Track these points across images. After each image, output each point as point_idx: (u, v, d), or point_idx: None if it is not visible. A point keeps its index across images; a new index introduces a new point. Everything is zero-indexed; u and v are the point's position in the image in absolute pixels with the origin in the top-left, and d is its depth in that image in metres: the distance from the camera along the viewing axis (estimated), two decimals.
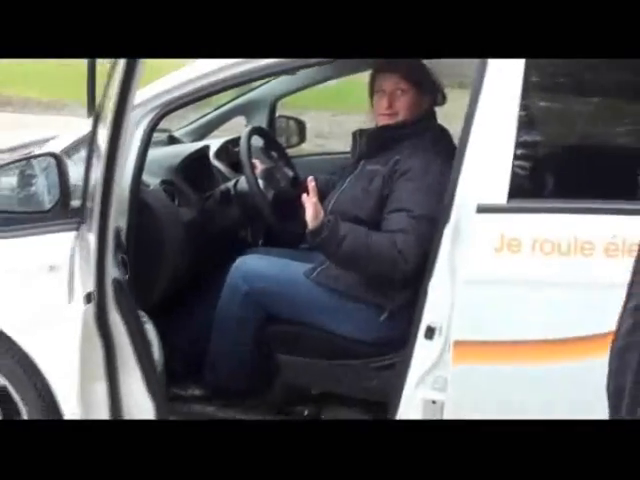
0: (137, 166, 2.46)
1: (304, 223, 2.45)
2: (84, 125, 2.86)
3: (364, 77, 3.07)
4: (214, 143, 3.58)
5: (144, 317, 2.42)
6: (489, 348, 2.24)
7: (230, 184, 3.04)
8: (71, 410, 2.46)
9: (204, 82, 2.48)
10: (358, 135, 2.76)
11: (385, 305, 2.53)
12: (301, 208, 2.45)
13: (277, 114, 4.07)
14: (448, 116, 2.80)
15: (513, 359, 2.23)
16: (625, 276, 1.36)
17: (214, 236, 2.96)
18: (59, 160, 2.45)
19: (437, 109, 2.78)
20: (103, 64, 2.88)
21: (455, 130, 2.33)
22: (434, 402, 2.30)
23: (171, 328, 2.63)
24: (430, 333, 2.27)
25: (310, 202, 2.40)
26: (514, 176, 2.18)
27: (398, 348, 2.43)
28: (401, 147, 2.57)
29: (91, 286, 2.08)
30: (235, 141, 3.47)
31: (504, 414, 2.23)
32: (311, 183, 2.43)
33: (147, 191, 2.66)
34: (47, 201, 2.55)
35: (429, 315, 2.27)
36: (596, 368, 1.44)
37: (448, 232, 2.20)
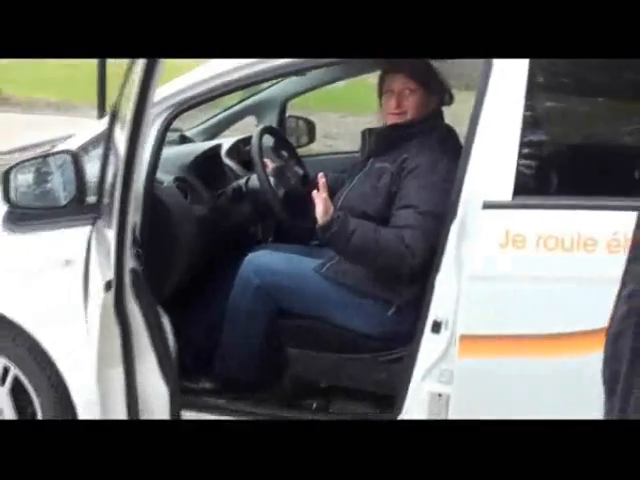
0: (151, 164, 2.50)
1: (314, 219, 2.49)
2: (94, 126, 2.93)
3: (372, 79, 3.12)
4: (226, 142, 3.62)
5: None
6: (494, 342, 2.27)
7: (242, 182, 3.08)
8: (85, 397, 2.51)
9: (217, 82, 2.52)
10: (367, 134, 2.80)
11: (393, 300, 2.57)
12: (311, 204, 2.49)
13: (287, 114, 4.11)
14: (456, 116, 2.84)
15: (517, 353, 2.26)
16: None
17: (225, 232, 3.00)
18: (76, 157, 2.50)
19: (445, 110, 2.82)
20: (115, 64, 2.94)
21: (462, 130, 2.36)
22: (440, 395, 2.34)
23: (183, 322, 2.66)
24: (437, 327, 2.31)
25: (320, 198, 2.45)
26: (519, 174, 2.21)
27: (405, 342, 2.46)
28: (409, 145, 2.61)
29: (109, 276, 2.13)
30: (246, 140, 3.51)
31: (509, 407, 2.29)
32: (321, 179, 2.48)
33: (161, 188, 2.70)
34: (63, 197, 2.62)
35: (436, 309, 2.31)
36: (599, 361, 1.45)
37: (454, 228, 2.24)
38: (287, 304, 2.67)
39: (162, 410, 2.18)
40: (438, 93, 2.76)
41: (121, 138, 2.41)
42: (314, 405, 2.72)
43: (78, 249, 2.50)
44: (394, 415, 2.42)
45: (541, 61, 2.24)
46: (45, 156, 2.73)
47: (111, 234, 2.16)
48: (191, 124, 3.95)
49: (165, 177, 2.82)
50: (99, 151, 2.63)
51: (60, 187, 2.64)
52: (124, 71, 2.56)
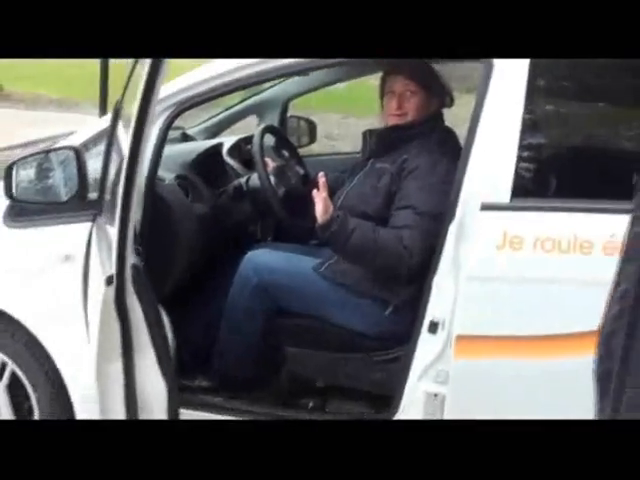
0: (153, 161, 2.51)
1: (314, 218, 2.51)
2: (96, 123, 2.95)
3: (373, 80, 3.13)
4: (227, 141, 3.63)
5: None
6: (490, 343, 2.28)
7: (242, 180, 3.09)
8: (82, 393, 2.53)
9: (219, 82, 2.54)
10: (368, 135, 2.83)
11: (390, 300, 2.59)
12: (311, 204, 2.51)
13: (288, 114, 4.12)
14: (458, 118, 2.86)
15: (513, 354, 2.27)
16: None
17: (226, 230, 3.02)
18: (78, 153, 2.52)
19: (446, 112, 2.84)
20: (117, 62, 2.95)
21: (462, 133, 2.38)
22: (436, 395, 2.35)
23: (181, 319, 2.67)
24: (433, 328, 2.32)
25: (320, 197, 2.47)
26: (517, 176, 2.23)
27: (402, 342, 2.47)
28: (409, 147, 2.63)
29: (110, 272, 2.15)
30: (248, 139, 3.51)
31: (504, 408, 2.30)
32: (321, 179, 2.50)
33: (162, 185, 2.71)
34: (64, 193, 2.63)
35: (433, 310, 2.32)
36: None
37: (453, 229, 2.26)
38: (285, 303, 2.69)
39: (160, 406, 2.20)
40: (439, 95, 2.78)
41: (124, 136, 2.44)
42: (310, 404, 2.73)
43: (78, 245, 2.52)
44: (390, 415, 2.43)
45: (541, 64, 2.26)
46: (47, 152, 2.75)
47: (112, 230, 2.18)
48: (193, 122, 3.97)
49: (167, 175, 2.83)
50: (100, 148, 2.64)
51: (61, 183, 2.66)
52: (127, 69, 2.57)
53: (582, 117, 2.56)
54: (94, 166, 2.60)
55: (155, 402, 2.22)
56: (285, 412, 2.63)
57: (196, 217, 2.81)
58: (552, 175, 2.39)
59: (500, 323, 2.28)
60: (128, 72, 2.55)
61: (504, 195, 2.23)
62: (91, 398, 2.42)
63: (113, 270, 2.04)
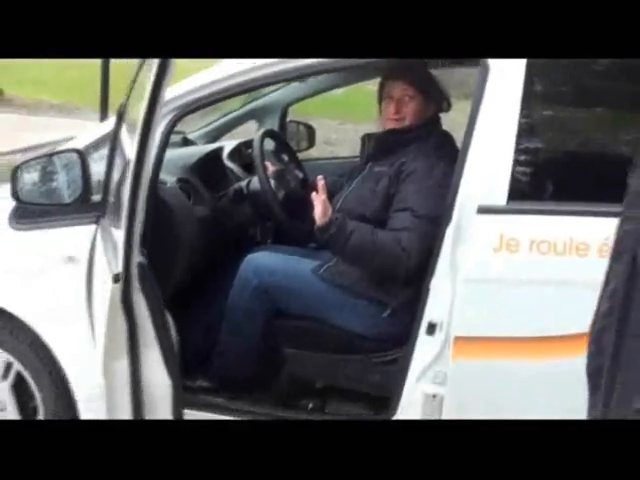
0: (155, 164, 2.52)
1: (313, 221, 2.54)
2: (96, 128, 2.98)
3: (370, 86, 3.16)
4: (227, 145, 3.66)
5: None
6: (488, 344, 2.31)
7: (243, 184, 3.12)
8: (86, 393, 2.55)
9: (220, 86, 2.57)
10: (366, 139, 2.86)
11: (388, 302, 2.61)
12: (310, 207, 2.54)
13: (287, 119, 4.15)
14: (455, 123, 2.89)
15: (510, 355, 2.30)
16: None
17: (226, 232, 3.04)
18: (82, 156, 2.55)
19: (444, 117, 2.87)
20: (117, 66, 2.98)
21: (460, 137, 2.41)
22: (434, 396, 2.37)
23: (183, 320, 2.67)
24: (431, 329, 2.34)
25: (319, 200, 2.50)
26: (513, 179, 2.25)
27: (400, 343, 2.50)
28: (407, 150, 2.66)
29: (117, 270, 2.18)
30: (248, 143, 3.55)
31: (501, 408, 2.32)
32: (320, 182, 2.53)
33: (164, 188, 2.74)
34: (67, 195, 2.66)
35: (430, 312, 2.34)
36: None
37: (450, 232, 2.28)
38: (285, 304, 2.71)
39: (165, 402, 2.23)
40: (436, 100, 2.81)
41: (127, 139, 2.47)
42: (310, 405, 2.75)
43: (82, 246, 2.55)
44: (389, 415, 2.45)
45: (537, 69, 2.29)
46: (52, 155, 2.77)
47: (117, 232, 2.21)
48: (194, 127, 4.00)
49: (168, 178, 2.86)
50: (102, 152, 2.67)
51: (65, 185, 2.69)
52: (131, 73, 2.60)
53: (578, 121, 2.57)
54: (96, 169, 2.62)
55: (160, 396, 2.24)
56: (285, 413, 2.65)
57: (197, 219, 2.84)
58: (548, 178, 2.41)
59: (497, 324, 2.31)
60: (133, 76, 2.58)
61: (500, 198, 2.25)
62: (94, 398, 2.44)
63: (119, 268, 2.07)
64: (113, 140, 2.57)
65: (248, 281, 2.70)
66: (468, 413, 2.34)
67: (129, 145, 2.40)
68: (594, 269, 2.11)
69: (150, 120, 1.93)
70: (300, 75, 2.95)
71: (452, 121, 2.92)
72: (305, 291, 2.69)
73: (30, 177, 2.66)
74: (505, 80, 2.29)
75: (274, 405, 2.72)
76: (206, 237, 2.85)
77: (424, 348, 2.37)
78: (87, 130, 3.18)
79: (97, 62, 3.81)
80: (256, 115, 4.12)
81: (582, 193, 2.25)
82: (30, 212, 2.71)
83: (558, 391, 2.22)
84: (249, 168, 3.37)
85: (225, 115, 4.10)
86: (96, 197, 2.60)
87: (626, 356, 1.27)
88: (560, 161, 2.49)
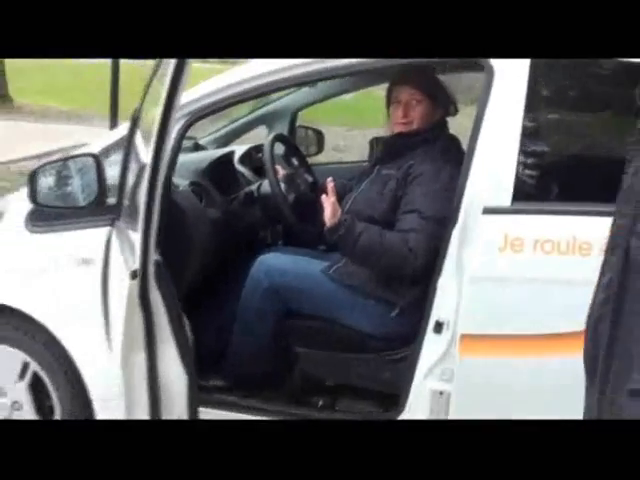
0: (168, 168, 2.56)
1: (322, 223, 2.59)
2: (112, 133, 3.03)
3: (378, 93, 3.20)
4: (238, 149, 3.71)
5: None
6: (493, 342, 2.35)
7: (253, 187, 3.16)
8: (101, 390, 2.61)
9: (230, 92, 2.62)
10: (375, 142, 2.91)
11: (396, 301, 2.65)
12: (320, 209, 2.59)
13: (297, 124, 4.20)
14: (462, 127, 2.93)
15: (516, 352, 2.33)
16: None
17: (237, 235, 3.09)
18: (98, 160, 2.61)
19: (451, 121, 2.91)
20: (126, 75, 3.02)
21: (466, 141, 2.44)
22: (441, 393, 2.41)
23: (195, 320, 2.69)
24: (438, 328, 2.39)
25: (329, 202, 2.55)
26: (517, 181, 2.30)
27: (408, 342, 2.54)
28: (414, 154, 2.70)
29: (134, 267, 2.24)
30: (258, 148, 3.60)
31: (507, 405, 2.37)
32: (330, 184, 2.58)
33: (177, 192, 2.78)
34: (82, 199, 2.71)
35: (438, 311, 2.39)
36: None
37: (456, 232, 2.33)
38: (295, 304, 2.75)
39: (181, 395, 2.27)
40: (443, 104, 2.85)
41: (142, 144, 2.52)
42: (320, 402, 2.79)
43: (97, 248, 2.60)
44: (397, 412, 2.49)
45: (541, 73, 2.33)
46: (67, 159, 2.82)
47: (132, 233, 2.26)
48: (204, 133, 4.04)
49: (181, 181, 2.91)
50: (115, 157, 2.71)
51: (80, 189, 2.74)
52: (144, 79, 2.65)
53: (580, 124, 2.59)
54: (110, 173, 2.66)
55: (177, 390, 2.29)
56: (296, 410, 2.70)
57: (209, 222, 2.88)
58: (551, 180, 2.44)
59: (502, 322, 2.35)
60: (147, 80, 2.63)
61: (505, 199, 2.30)
62: (111, 396, 2.48)
63: (136, 266, 2.12)
64: (128, 145, 2.61)
65: (259, 282, 2.75)
66: (474, 409, 2.39)
67: (143, 150, 2.45)
68: (597, 268, 2.18)
69: (166, 122, 1.98)
70: (311, 80, 3.01)
71: (459, 125, 2.96)
72: (315, 291, 2.73)
73: (46, 181, 2.71)
74: (509, 84, 2.33)
75: (286, 403, 2.77)
76: (218, 239, 2.89)
77: (431, 346, 2.41)
78: (96, 136, 3.22)
79: (106, 69, 3.86)
80: (266, 120, 4.16)
81: (584, 194, 2.29)
82: (45, 215, 2.75)
83: (562, 387, 2.22)
84: (259, 172, 3.42)
85: (235, 121, 4.14)
86: (110, 200, 2.64)
87: (620, 347, 1.31)
88: (563, 163, 2.52)
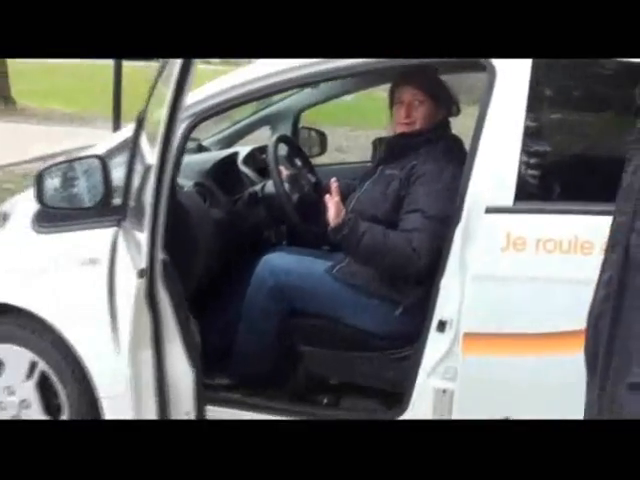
0: (173, 169, 2.61)
1: (326, 222, 2.61)
2: (117, 135, 3.04)
3: (380, 93, 3.21)
4: (242, 150, 3.73)
5: None
6: (496, 340, 2.37)
7: (257, 187, 3.19)
8: (108, 389, 2.62)
9: (234, 94, 2.65)
10: (378, 142, 2.93)
11: (400, 300, 2.67)
12: (324, 209, 2.61)
13: (300, 125, 4.21)
14: (465, 127, 2.94)
15: (518, 350, 2.35)
16: None
17: (241, 235, 3.11)
18: (104, 162, 2.63)
19: (453, 122, 2.94)
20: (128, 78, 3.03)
21: (469, 141, 2.46)
22: (444, 391, 2.43)
23: (202, 319, 2.76)
24: (442, 326, 2.41)
25: (332, 202, 2.57)
26: (520, 180, 2.32)
27: (411, 341, 2.56)
28: (417, 154, 2.72)
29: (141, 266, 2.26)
30: (262, 149, 3.63)
31: (509, 402, 2.39)
32: (334, 184, 2.60)
33: (181, 192, 2.81)
34: (88, 200, 2.73)
35: (441, 309, 2.41)
36: None
37: (459, 232, 2.35)
38: (300, 303, 2.77)
39: (187, 391, 2.29)
40: (446, 105, 2.87)
41: (147, 146, 2.54)
42: (325, 400, 2.82)
43: (103, 248, 2.61)
44: (401, 410, 2.51)
45: (543, 73, 2.34)
46: (73, 160, 2.84)
47: (138, 233, 2.28)
48: (208, 134, 4.06)
49: (185, 182, 2.93)
50: (120, 159, 2.73)
51: (86, 190, 2.75)
52: (148, 81, 2.67)
53: (582, 124, 2.60)
54: (115, 175, 2.68)
55: (184, 387, 2.31)
56: (301, 408, 2.72)
57: (213, 222, 2.90)
58: (553, 179, 2.46)
59: (505, 321, 2.36)
60: (152, 82, 2.65)
61: (507, 198, 2.31)
62: (118, 394, 2.51)
63: (143, 265, 2.14)
64: (133, 146, 2.63)
65: (264, 281, 2.77)
66: (477, 407, 2.41)
67: (149, 151, 2.47)
68: (598, 267, 2.19)
69: (172, 123, 2.01)
70: (314, 81, 3.02)
71: (462, 125, 2.98)
72: (319, 291, 2.75)
73: (53, 182, 2.73)
74: (511, 84, 2.35)
75: (290, 401, 2.79)
76: (222, 239, 2.91)
77: (435, 345, 2.43)
78: (100, 138, 3.23)
79: (109, 71, 3.88)
80: (269, 121, 4.18)
81: (586, 193, 2.30)
82: (51, 216, 2.77)
83: (564, 386, 2.22)
84: (263, 172, 3.45)
85: (238, 122, 4.16)
86: (116, 201, 2.66)
87: (619, 343, 1.33)
88: (565, 162, 2.53)
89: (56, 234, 2.77)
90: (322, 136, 4.31)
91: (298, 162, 3.28)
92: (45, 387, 2.77)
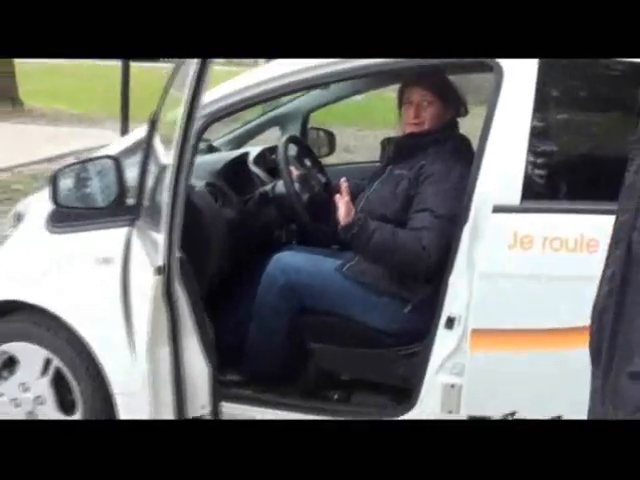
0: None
1: (336, 221, 2.64)
2: (130, 136, 3.08)
3: (388, 94, 3.23)
4: (252, 150, 3.77)
5: None
6: (503, 336, 2.41)
7: (268, 187, 3.23)
8: (122, 386, 2.66)
9: (244, 95, 2.69)
10: (386, 143, 2.96)
11: (409, 298, 2.71)
12: (334, 208, 2.65)
13: (309, 126, 4.24)
14: (473, 128, 2.97)
15: (525, 346, 2.39)
16: None
17: (253, 234, 3.15)
18: (117, 162, 2.66)
19: (461, 122, 2.97)
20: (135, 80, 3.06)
21: (476, 141, 2.50)
22: (453, 386, 2.47)
23: (214, 317, 2.78)
24: (450, 323, 2.44)
25: (343, 201, 2.61)
26: (527, 179, 2.35)
27: (420, 338, 2.59)
28: (425, 154, 2.75)
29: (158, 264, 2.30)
30: (272, 149, 3.67)
31: (517, 397, 2.43)
32: (344, 184, 2.63)
33: (193, 192, 2.83)
34: (102, 200, 2.77)
35: (449, 307, 2.44)
36: None
37: (467, 230, 2.38)
38: (310, 301, 2.81)
39: (204, 386, 2.33)
40: (454, 105, 2.90)
41: (160, 148, 2.58)
42: (336, 396, 2.85)
43: (116, 247, 2.65)
44: (410, 406, 2.55)
45: (550, 73, 2.38)
46: (87, 161, 2.89)
47: (153, 232, 2.32)
48: (218, 135, 4.09)
49: (197, 182, 2.96)
50: (132, 160, 2.76)
51: (99, 190, 2.79)
52: (160, 81, 2.71)
53: (589, 123, 2.62)
54: (127, 176, 2.71)
55: (200, 382, 2.35)
56: (312, 404, 2.75)
57: (225, 221, 2.94)
58: (560, 178, 2.49)
59: (511, 317, 2.40)
60: (165, 83, 2.69)
61: (514, 197, 2.35)
62: (131, 391, 2.56)
63: (160, 262, 2.18)
64: (147, 147, 2.67)
65: (275, 279, 2.80)
66: (485, 402, 2.45)
67: (163, 152, 2.51)
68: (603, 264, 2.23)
69: (189, 122, 2.04)
70: (325, 82, 3.06)
71: (470, 125, 3.01)
72: (329, 289, 2.78)
73: (67, 183, 2.77)
74: (518, 84, 2.38)
75: (301, 397, 2.82)
76: (234, 238, 2.95)
77: (443, 341, 2.47)
78: (108, 139, 3.27)
79: (117, 71, 3.92)
80: (278, 122, 4.21)
81: (592, 192, 2.33)
82: (65, 216, 2.81)
83: (570, 381, 2.21)
84: (273, 173, 3.48)
85: (248, 123, 4.19)
86: (130, 201, 2.70)
87: (622, 338, 1.36)
88: (571, 162, 2.56)
89: (70, 234, 2.81)
90: (330, 136, 4.33)
91: (308, 162, 3.31)
92: (60, 384, 2.81)
